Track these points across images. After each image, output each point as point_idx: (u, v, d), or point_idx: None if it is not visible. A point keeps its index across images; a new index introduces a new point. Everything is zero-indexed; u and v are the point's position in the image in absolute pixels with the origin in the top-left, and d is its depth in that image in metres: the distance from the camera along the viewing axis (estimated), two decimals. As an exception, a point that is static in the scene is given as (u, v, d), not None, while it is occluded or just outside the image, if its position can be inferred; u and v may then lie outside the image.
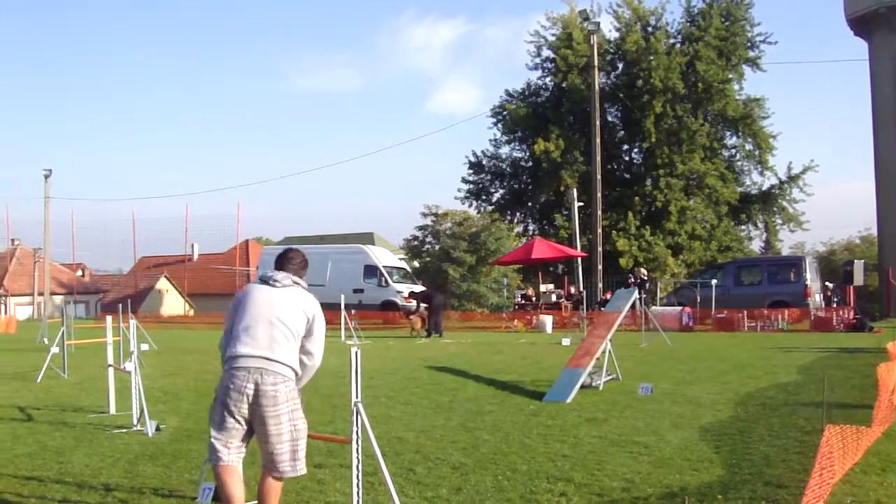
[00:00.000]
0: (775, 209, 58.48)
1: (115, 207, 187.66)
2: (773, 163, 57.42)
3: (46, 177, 56.96)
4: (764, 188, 58.87)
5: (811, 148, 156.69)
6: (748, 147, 57.71)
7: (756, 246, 60.13)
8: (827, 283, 39.13)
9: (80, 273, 73.84)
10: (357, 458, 6.62)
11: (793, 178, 57.14)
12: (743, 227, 60.08)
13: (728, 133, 58.58)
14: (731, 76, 55.98)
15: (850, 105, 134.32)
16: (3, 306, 62.77)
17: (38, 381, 17.31)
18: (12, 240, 68.06)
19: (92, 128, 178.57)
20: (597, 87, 43.07)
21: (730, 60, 55.48)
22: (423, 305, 31.11)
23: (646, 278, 36.32)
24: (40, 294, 58.58)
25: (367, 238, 64.12)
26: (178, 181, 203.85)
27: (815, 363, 18.42)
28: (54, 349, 18.55)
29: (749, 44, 56.45)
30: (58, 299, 62.60)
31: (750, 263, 40.66)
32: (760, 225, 59.90)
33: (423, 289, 34.07)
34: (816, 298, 34.38)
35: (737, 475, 8.41)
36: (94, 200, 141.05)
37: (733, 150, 59.25)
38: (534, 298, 39.26)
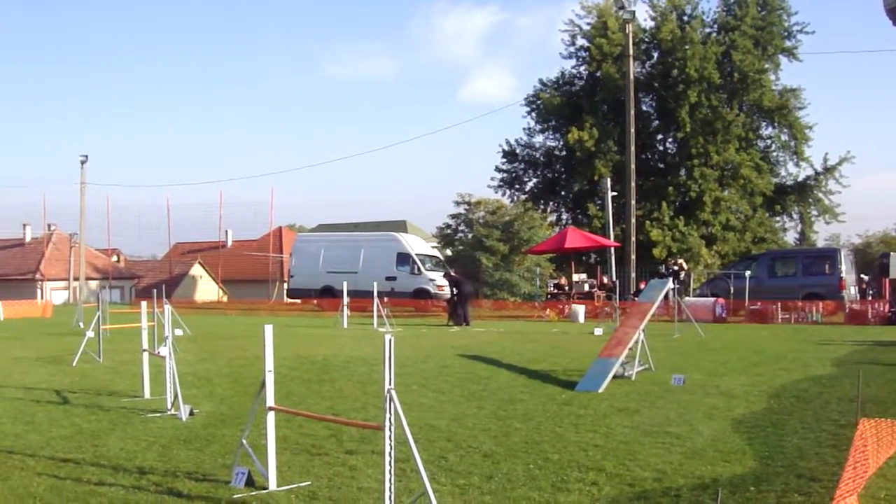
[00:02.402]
0: (810, 200, 57.89)
1: (150, 193, 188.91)
2: (809, 154, 56.85)
3: (83, 163, 57.38)
4: (799, 179, 58.34)
5: (848, 139, 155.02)
6: (784, 138, 57.23)
7: (791, 237, 59.66)
8: (862, 276, 38.81)
9: (115, 258, 74.24)
10: (390, 444, 6.64)
11: (829, 170, 56.55)
12: (777, 218, 59.59)
13: (763, 123, 58.09)
14: (767, 66, 55.49)
15: (889, 96, 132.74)
16: (39, 291, 63.22)
17: (74, 364, 17.49)
18: (49, 225, 68.53)
19: (128, 114, 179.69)
20: (631, 77, 42.88)
21: (766, 50, 55.02)
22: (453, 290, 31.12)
23: (682, 269, 36.03)
24: (76, 279, 59.02)
25: (400, 226, 64.12)
26: (213, 168, 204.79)
27: (849, 356, 18.30)
28: (90, 334, 18.72)
29: (786, 33, 55.93)
30: (93, 284, 63.02)
31: (784, 255, 40.30)
32: (795, 216, 59.38)
33: (453, 274, 33.94)
34: (851, 291, 34.09)
35: (769, 467, 8.38)
36: (130, 186, 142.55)
37: (769, 141, 58.78)
38: (566, 288, 39.20)
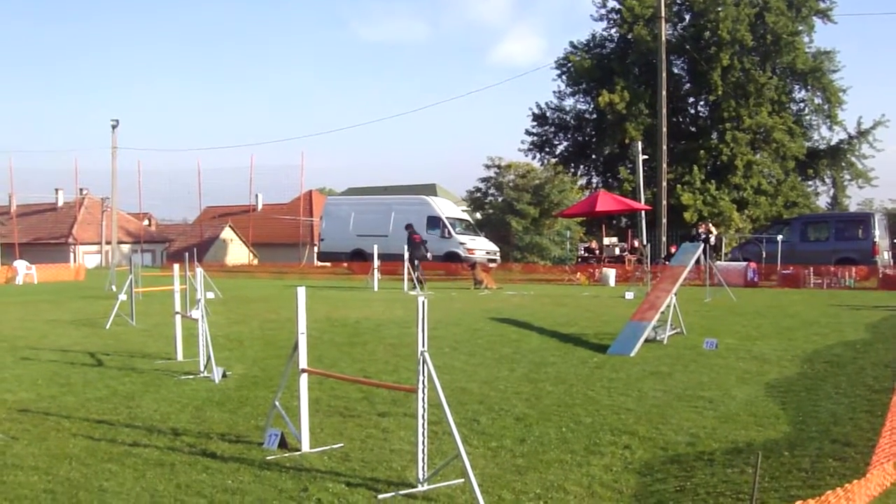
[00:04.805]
0: (843, 164, 57.38)
1: (181, 158, 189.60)
2: (843, 117, 56.25)
3: (114, 127, 57.47)
4: (832, 143, 57.77)
5: (882, 102, 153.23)
6: (817, 101, 56.61)
7: (823, 202, 59.23)
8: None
9: (146, 222, 74.68)
10: (423, 406, 6.66)
11: (862, 133, 55.98)
12: (810, 182, 59.09)
13: (797, 86, 57.50)
14: (800, 28, 54.83)
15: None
16: (72, 255, 63.65)
17: (108, 327, 17.64)
18: (81, 189, 68.79)
19: (158, 78, 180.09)
20: (663, 39, 42.44)
21: (800, 12, 54.36)
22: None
23: (712, 233, 35.71)
24: (108, 243, 59.25)
25: (430, 189, 63.96)
26: (244, 131, 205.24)
27: (883, 322, 18.14)
28: (122, 297, 18.85)
29: (820, -6, 55.29)
30: (125, 248, 63.41)
31: (817, 219, 39.99)
32: (828, 180, 58.88)
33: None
34: (885, 256, 33.76)
35: (803, 432, 8.34)
36: (161, 150, 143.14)
37: (802, 104, 58.20)
38: (597, 251, 39.09)
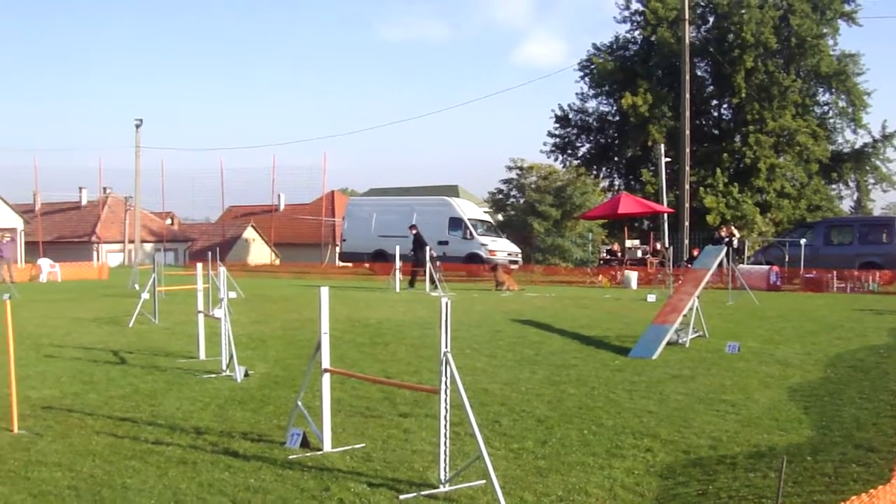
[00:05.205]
0: (868, 168, 57.08)
1: (204, 157, 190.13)
2: (867, 120, 55.99)
3: (137, 127, 57.68)
4: (856, 146, 57.45)
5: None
6: (841, 104, 56.35)
7: (846, 206, 58.92)
8: (920, 245, 38.16)
9: (169, 221, 74.90)
10: (445, 407, 6.66)
11: (887, 137, 55.63)
12: (833, 186, 58.80)
13: (821, 89, 57.27)
14: (825, 31, 54.60)
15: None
16: (95, 253, 63.93)
17: (131, 325, 17.73)
18: (104, 188, 69.09)
19: (181, 78, 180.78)
20: (687, 41, 42.32)
21: (825, 14, 54.09)
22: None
23: (734, 236, 35.54)
24: (131, 241, 59.48)
25: (452, 190, 63.94)
26: (266, 132, 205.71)
27: (907, 326, 18.03)
28: (145, 295, 18.92)
29: (845, -3, 55.02)
30: (148, 247, 63.66)
31: (841, 223, 39.72)
32: (852, 184, 58.60)
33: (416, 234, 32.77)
34: (909, 260, 33.56)
35: (826, 437, 8.30)
36: (184, 150, 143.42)
37: (826, 107, 58.00)
38: (619, 254, 38.97)
